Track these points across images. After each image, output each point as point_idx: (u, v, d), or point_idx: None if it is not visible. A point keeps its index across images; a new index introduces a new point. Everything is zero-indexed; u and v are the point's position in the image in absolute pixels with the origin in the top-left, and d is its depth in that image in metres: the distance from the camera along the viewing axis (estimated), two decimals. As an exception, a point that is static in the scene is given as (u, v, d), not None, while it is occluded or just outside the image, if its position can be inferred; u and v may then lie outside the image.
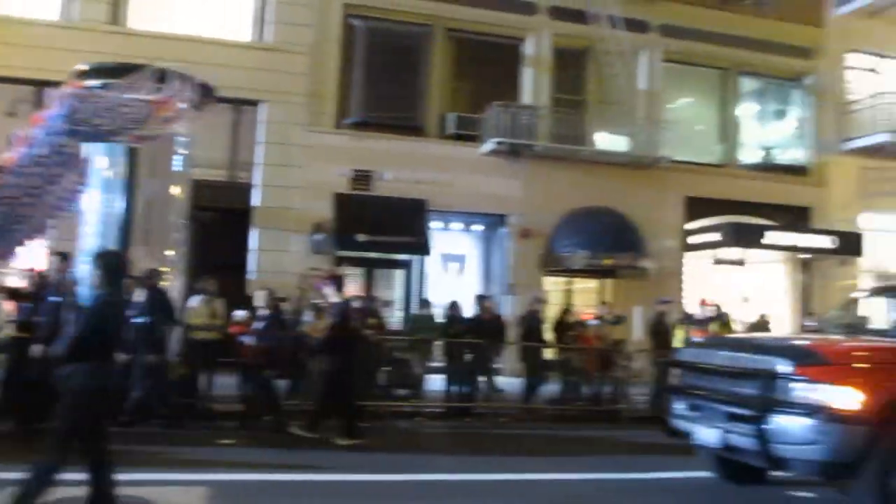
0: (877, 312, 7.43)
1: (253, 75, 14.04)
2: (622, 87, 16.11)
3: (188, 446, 7.64)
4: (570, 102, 16.26)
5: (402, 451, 8.30)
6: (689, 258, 16.90)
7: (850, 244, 16.59)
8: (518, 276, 15.24)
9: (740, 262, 17.31)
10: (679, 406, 6.32)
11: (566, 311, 13.66)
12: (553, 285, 16.23)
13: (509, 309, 13.96)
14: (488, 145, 15.06)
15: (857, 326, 7.02)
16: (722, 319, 12.99)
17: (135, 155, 9.26)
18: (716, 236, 16.20)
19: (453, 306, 11.91)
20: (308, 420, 8.46)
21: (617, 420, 11.14)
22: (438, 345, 11.63)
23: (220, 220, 13.67)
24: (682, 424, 6.25)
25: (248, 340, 9.12)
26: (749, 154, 17.92)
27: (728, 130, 17.68)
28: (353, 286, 13.93)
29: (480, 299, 12.28)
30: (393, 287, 15.35)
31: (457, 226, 15.81)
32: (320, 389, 8.72)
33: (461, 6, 15.54)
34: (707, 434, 5.83)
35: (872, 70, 18.92)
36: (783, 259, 17.70)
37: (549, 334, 12.88)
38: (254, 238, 14.22)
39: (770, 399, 5.33)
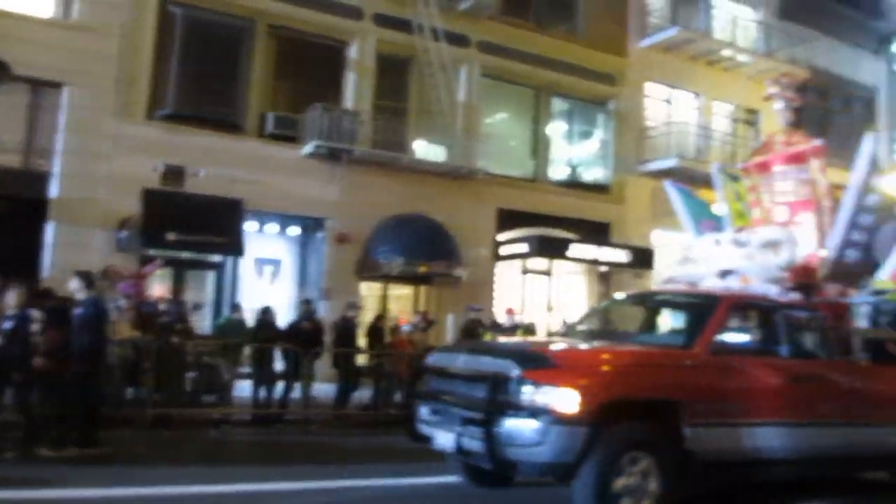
0: (630, 318, 8.03)
1: (56, 54, 12.96)
2: (442, 98, 16.51)
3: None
4: (391, 109, 16.42)
5: (165, 461, 7.83)
6: (500, 267, 17.63)
7: (644, 258, 18.00)
8: (334, 282, 15.19)
9: (547, 273, 18.32)
10: (423, 410, 6.32)
11: (380, 316, 13.82)
12: (369, 291, 16.33)
13: (325, 314, 13.85)
14: (308, 147, 14.89)
15: (601, 331, 7.51)
16: (527, 327, 13.70)
17: None
18: (525, 247, 17.02)
19: (265, 311, 11.67)
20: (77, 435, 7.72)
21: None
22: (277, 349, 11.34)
23: (9, 211, 12.54)
24: (425, 429, 6.22)
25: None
26: (558, 171, 18.99)
27: (539, 147, 18.63)
28: (160, 287, 13.34)
29: (305, 304, 12.19)
30: (204, 289, 14.77)
31: (273, 228, 15.46)
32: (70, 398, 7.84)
33: (285, 4, 15.22)
34: (444, 438, 5.85)
35: (667, 100, 20.71)
36: (585, 270, 18.90)
37: (362, 340, 12.98)
38: (50, 232, 13.12)
39: (498, 402, 5.41)
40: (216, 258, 14.60)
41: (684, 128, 20.10)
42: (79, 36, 13.39)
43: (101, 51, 13.53)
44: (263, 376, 11.07)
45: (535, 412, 5.23)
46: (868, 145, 8.28)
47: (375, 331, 12.89)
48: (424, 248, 15.43)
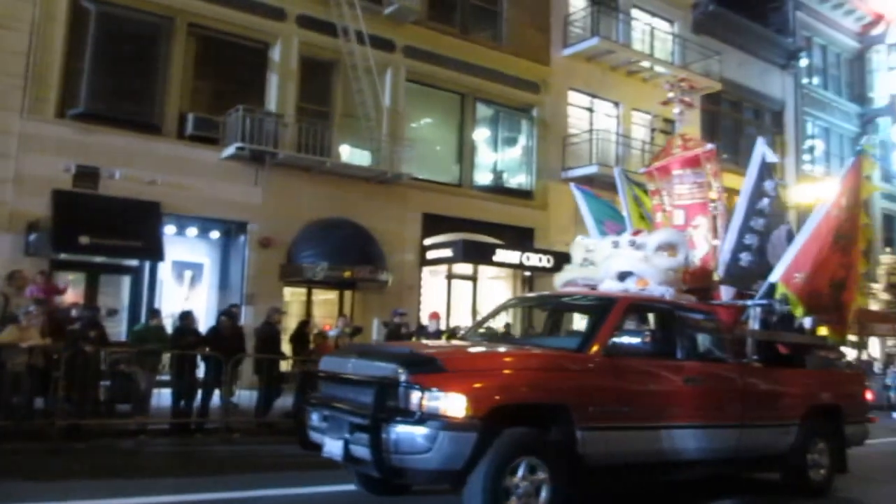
0: (531, 320, 8.07)
1: (-44, 49, 12.33)
2: (367, 102, 16.39)
3: None
4: (315, 113, 16.21)
5: (73, 475, 7.40)
6: (426, 272, 17.60)
7: (566, 263, 18.21)
8: (257, 286, 14.84)
9: (472, 278, 18.39)
10: (314, 417, 6.02)
11: (305, 322, 13.60)
12: (292, 296, 16.06)
13: (247, 319, 13.53)
14: (229, 150, 14.51)
15: (498, 334, 7.46)
16: (452, 331, 13.69)
17: None
18: (450, 252, 17.04)
19: (185, 316, 11.31)
20: None
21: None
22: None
23: None
24: (315, 436, 5.95)
25: None
26: (483, 176, 19.12)
27: (464, 152, 18.71)
28: (73, 292, 12.78)
29: (225, 311, 11.83)
30: (119, 294, 14.22)
31: (193, 232, 15.02)
32: None
33: (205, 3, 14.82)
34: (333, 446, 5.57)
35: (589, 109, 21.13)
36: (509, 275, 19.06)
37: (286, 346, 12.73)
38: (-52, 235, 12.40)
39: (385, 407, 5.18)
40: (132, 262, 14.06)
41: (605, 135, 20.54)
42: (-16, 30, 12.74)
43: (8, 46, 12.91)
44: (183, 384, 10.71)
45: (423, 418, 5.04)
46: (759, 150, 8.36)
47: (300, 336, 12.66)
48: (349, 253, 15.26)
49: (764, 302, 7.42)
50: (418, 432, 5.04)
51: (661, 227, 8.53)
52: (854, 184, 7.91)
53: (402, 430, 5.09)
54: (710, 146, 8.65)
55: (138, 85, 14.29)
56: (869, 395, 9.20)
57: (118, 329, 13.28)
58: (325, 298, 16.62)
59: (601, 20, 21.27)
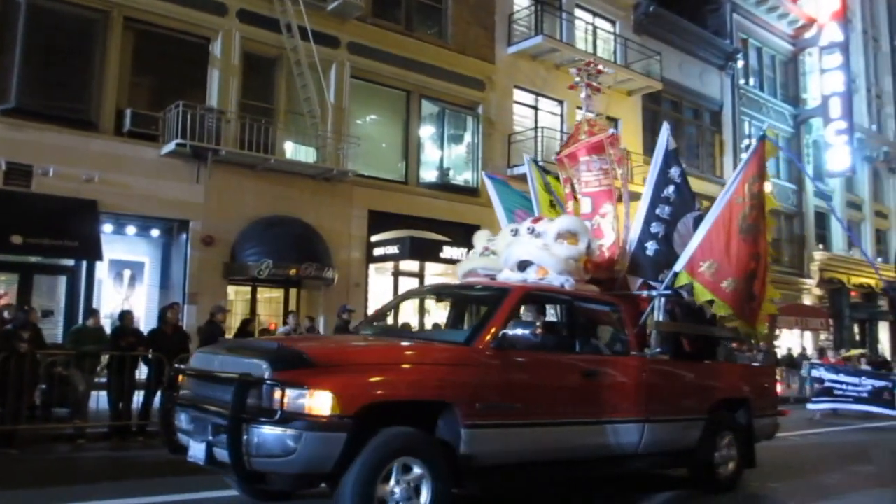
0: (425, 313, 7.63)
1: None
2: (312, 99, 16.21)
3: None
4: (258, 109, 15.93)
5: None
6: (373, 269, 17.49)
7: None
8: (199, 285, 14.53)
9: (419, 275, 18.34)
10: (182, 418, 5.49)
11: (248, 320, 13.39)
12: (236, 294, 15.79)
13: (190, 319, 13.24)
14: (169, 146, 14.17)
15: (388, 328, 7.04)
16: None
17: None
18: (396, 249, 16.97)
19: (124, 316, 10.99)
20: None
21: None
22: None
23: None
24: (183, 439, 5.45)
25: None
26: (428, 173, 19.09)
27: (410, 150, 18.65)
28: (5, 294, 12.34)
29: (166, 310, 11.49)
30: (55, 295, 13.77)
31: (132, 230, 14.62)
32: None
33: (143, -5, 14.48)
34: (197, 449, 5.10)
35: (534, 107, 21.29)
36: (454, 272, 19.03)
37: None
38: None
39: (245, 406, 4.73)
40: (69, 262, 13.61)
41: (550, 133, 20.71)
42: None
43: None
44: (123, 386, 10.40)
45: (286, 417, 4.60)
46: (663, 137, 8.05)
47: (244, 335, 12.44)
48: (294, 251, 15.06)
49: (669, 292, 7.14)
50: (281, 433, 4.61)
51: (564, 215, 8.10)
52: (757, 170, 7.66)
53: (263, 431, 4.65)
54: (612, 131, 8.41)
55: (73, 80, 13.88)
56: (779, 388, 9.20)
57: (55, 331, 12.87)
58: (270, 297, 16.38)
59: (545, 19, 21.46)
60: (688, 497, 7.39)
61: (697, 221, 7.56)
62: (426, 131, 19.27)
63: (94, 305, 12.82)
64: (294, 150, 16.72)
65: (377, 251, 17.29)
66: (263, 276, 14.72)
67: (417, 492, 4.99)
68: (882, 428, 14.92)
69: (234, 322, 13.81)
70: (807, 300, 30.56)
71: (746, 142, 28.99)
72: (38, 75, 13.41)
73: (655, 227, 7.69)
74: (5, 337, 9.59)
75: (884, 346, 35.41)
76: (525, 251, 6.97)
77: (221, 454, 4.87)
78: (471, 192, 19.44)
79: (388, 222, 17.47)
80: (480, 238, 7.96)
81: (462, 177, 19.87)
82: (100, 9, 14.11)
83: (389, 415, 4.95)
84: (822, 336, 29.72)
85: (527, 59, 20.71)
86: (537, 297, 6.84)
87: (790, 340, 27.68)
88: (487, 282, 7.30)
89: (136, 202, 13.97)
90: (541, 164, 10.41)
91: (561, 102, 21.75)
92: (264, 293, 16.30)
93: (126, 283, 14.65)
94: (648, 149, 23.98)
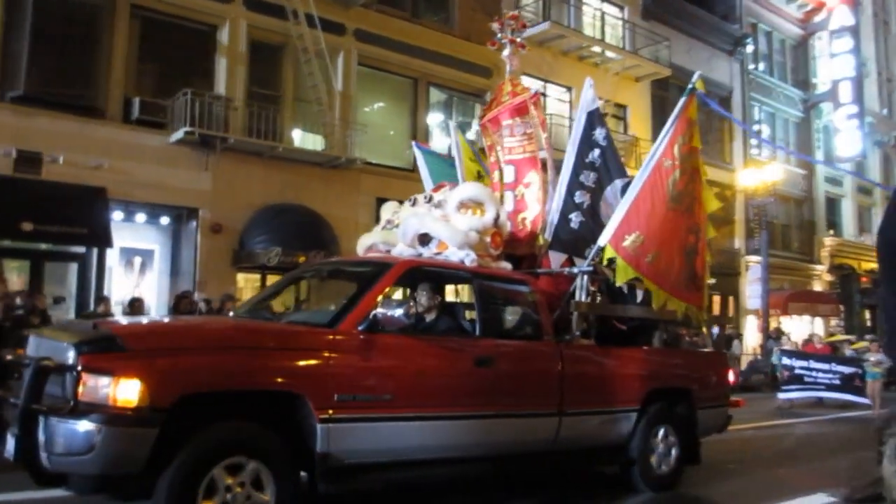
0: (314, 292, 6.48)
1: None
2: (319, 86, 16.22)
3: None
4: (265, 97, 15.97)
5: None
6: (379, 257, 17.51)
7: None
8: (208, 273, 14.62)
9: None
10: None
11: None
12: (246, 282, 15.86)
13: (199, 306, 13.31)
14: (177, 134, 14.23)
15: (258, 310, 6.17)
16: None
17: None
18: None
19: (134, 303, 11.09)
20: None
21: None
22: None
23: None
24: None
25: None
26: (436, 161, 19.05)
27: (417, 137, 18.61)
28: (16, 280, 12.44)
29: (180, 299, 11.56)
30: (66, 282, 13.88)
31: (141, 218, 14.72)
32: None
33: (147, -18, 14.51)
34: (9, 443, 4.29)
35: (542, 93, 21.21)
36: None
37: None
38: None
39: (41, 396, 4.07)
40: (79, 249, 13.71)
41: (559, 120, 20.66)
42: (-84, 10, 12.27)
43: (-59, 28, 12.46)
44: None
45: (84, 409, 3.90)
46: (586, 94, 7.29)
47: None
48: (302, 238, 15.12)
49: (590, 269, 6.32)
50: (77, 428, 3.90)
51: (467, 182, 7.25)
52: (686, 128, 6.86)
53: (58, 425, 3.95)
54: (535, 89, 7.59)
55: (80, 68, 13.95)
56: (731, 377, 7.91)
57: (66, 318, 12.94)
58: (278, 284, 16.43)
59: (552, 5, 21.39)
60: (623, 497, 6.52)
61: (626, 189, 6.70)
62: (434, 118, 19.26)
63: (105, 292, 12.92)
64: (301, 138, 16.76)
65: (385, 238, 17.27)
66: (272, 263, 14.79)
67: (257, 496, 4.30)
68: (855, 418, 13.81)
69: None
70: (817, 286, 30.46)
71: (756, 127, 28.86)
72: (46, 63, 13.47)
73: (579, 197, 6.93)
74: (16, 322, 9.68)
75: None
76: (421, 223, 6.12)
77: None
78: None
79: (395, 209, 17.46)
80: (387, 210, 7.00)
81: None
82: (106, -4, 14.15)
83: (215, 407, 4.25)
84: (833, 322, 29.63)
85: (534, 46, 20.56)
86: (427, 273, 5.86)
87: (800, 327, 27.60)
88: (370, 257, 6.51)
89: (144, 190, 14.05)
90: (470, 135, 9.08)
91: (569, 89, 21.69)
92: (273, 280, 16.35)
93: (136, 271, 14.75)
94: (657, 135, 23.93)
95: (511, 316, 6.12)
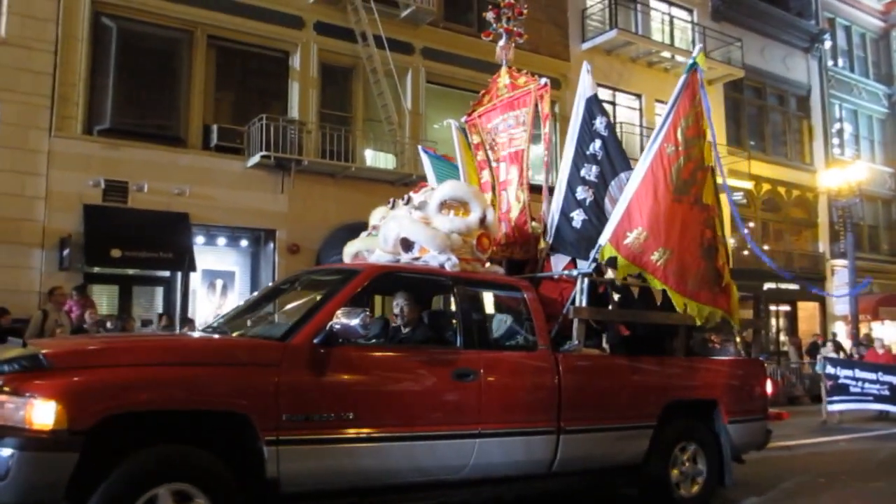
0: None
1: (-15, 72, 12.58)
2: (388, 106, 16.45)
3: None
4: (337, 118, 16.30)
5: None
6: (453, 272, 17.56)
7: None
8: (287, 292, 14.92)
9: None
10: None
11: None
12: (322, 301, 16.11)
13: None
14: (254, 159, 14.65)
15: (233, 323, 5.66)
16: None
17: None
18: (478, 251, 16.94)
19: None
20: None
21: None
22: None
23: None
24: None
25: None
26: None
27: (487, 151, 18.65)
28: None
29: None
30: (153, 305, 14.40)
31: (222, 241, 15.19)
32: None
33: (223, 14, 15.00)
34: None
35: (612, 102, 20.99)
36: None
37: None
38: (-14, 254, 12.61)
39: None
40: (164, 273, 14.23)
41: (629, 128, 20.41)
42: (8, 51, 12.99)
43: (31, 66, 13.13)
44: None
45: (2, 432, 3.64)
46: (584, 81, 6.76)
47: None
48: (377, 256, 15.26)
49: (590, 271, 5.79)
50: None
51: (449, 181, 6.56)
52: (690, 109, 6.15)
53: None
54: (544, 81, 6.95)
55: (162, 99, 14.53)
56: (769, 388, 7.02)
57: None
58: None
59: (619, 12, 21.16)
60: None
61: None
62: (502, 132, 19.23)
63: (190, 314, 13.33)
64: (373, 157, 16.99)
65: (458, 253, 17.31)
66: (348, 281, 14.95)
67: None
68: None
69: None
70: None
71: (837, 126, 27.85)
72: (130, 96, 14.12)
73: (581, 193, 6.35)
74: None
75: None
76: (400, 226, 5.69)
77: None
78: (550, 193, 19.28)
79: (467, 224, 17.50)
80: (374, 216, 6.53)
81: (539, 177, 19.70)
82: (184, 28, 14.73)
83: (148, 431, 3.91)
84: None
85: (601, 55, 20.45)
86: (400, 280, 5.42)
87: (892, 332, 26.34)
88: (341, 265, 6.14)
89: (224, 214, 14.51)
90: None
91: (639, 96, 21.41)
92: (350, 298, 16.57)
93: (218, 293, 15.17)
94: (733, 139, 23.35)
95: (499, 324, 5.74)
